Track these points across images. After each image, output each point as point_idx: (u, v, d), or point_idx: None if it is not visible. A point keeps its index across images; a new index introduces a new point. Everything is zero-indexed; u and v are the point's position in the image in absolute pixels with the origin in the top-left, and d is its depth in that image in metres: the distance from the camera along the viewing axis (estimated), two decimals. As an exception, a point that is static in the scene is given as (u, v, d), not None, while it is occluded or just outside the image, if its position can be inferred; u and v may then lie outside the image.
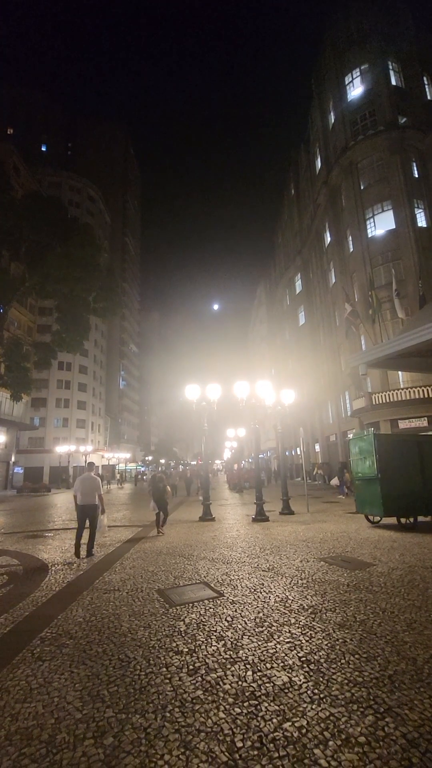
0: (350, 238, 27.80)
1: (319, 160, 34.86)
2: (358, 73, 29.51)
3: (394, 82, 28.40)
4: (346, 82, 30.14)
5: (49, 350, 28.07)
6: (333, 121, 31.40)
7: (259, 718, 2.53)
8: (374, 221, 26.20)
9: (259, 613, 4.35)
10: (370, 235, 26.10)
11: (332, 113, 31.62)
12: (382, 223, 25.75)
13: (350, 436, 28.17)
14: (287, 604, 4.57)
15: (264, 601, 4.70)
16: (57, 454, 46.62)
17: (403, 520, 9.46)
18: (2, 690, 2.98)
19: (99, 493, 7.60)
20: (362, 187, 27.22)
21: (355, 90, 29.54)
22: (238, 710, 2.62)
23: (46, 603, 4.95)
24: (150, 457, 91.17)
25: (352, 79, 29.83)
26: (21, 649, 3.65)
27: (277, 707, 2.64)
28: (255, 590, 5.15)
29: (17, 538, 10.16)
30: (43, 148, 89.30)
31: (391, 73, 28.53)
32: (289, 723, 2.47)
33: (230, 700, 2.74)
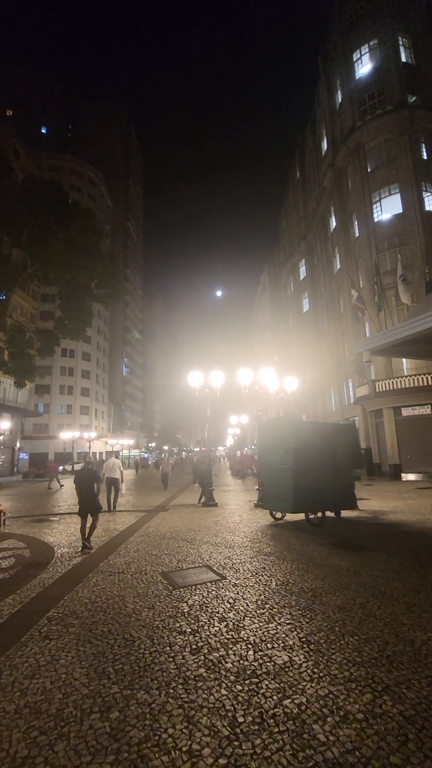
0: (356, 222, 27.28)
1: (325, 141, 33.98)
2: (367, 50, 28.48)
3: (404, 59, 27.40)
4: (354, 59, 29.12)
5: (52, 337, 28.02)
6: (340, 100, 30.48)
7: (259, 695, 2.60)
8: (381, 205, 25.65)
9: (260, 595, 4.43)
10: (376, 220, 25.59)
11: (339, 92, 30.67)
12: (388, 207, 25.21)
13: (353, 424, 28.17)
14: (288, 587, 4.65)
15: (265, 584, 4.79)
16: (61, 440, 47.05)
17: (311, 516, 8.65)
18: (11, 666, 3.08)
19: (120, 470, 11.61)
20: (369, 170, 26.57)
21: (364, 67, 28.56)
22: (239, 687, 2.70)
23: (52, 584, 5.06)
24: (153, 444, 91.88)
25: (361, 56, 28.81)
26: (29, 628, 3.75)
27: (277, 685, 2.71)
28: (257, 573, 5.24)
29: (24, 522, 10.34)
30: (43, 131, 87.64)
31: (401, 49, 27.49)
32: (289, 700, 2.54)
33: (232, 678, 2.82)
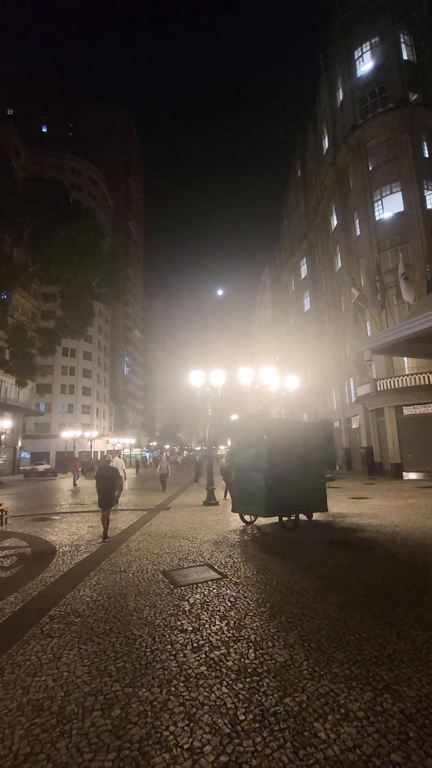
0: (357, 221, 27.23)
1: (326, 140, 33.89)
2: (368, 47, 28.38)
3: (405, 57, 27.29)
4: (356, 57, 29.02)
5: (53, 336, 28.06)
6: (341, 98, 30.40)
7: (260, 693, 2.61)
8: (382, 203, 25.59)
9: (261, 594, 4.44)
10: (377, 218, 25.53)
11: (341, 90, 30.58)
12: (390, 206, 25.14)
13: (354, 423, 28.11)
14: (289, 586, 4.66)
15: (266, 583, 4.80)
16: (63, 439, 47.10)
17: (284, 519, 8.27)
18: (14, 664, 3.09)
19: (123, 468, 12.76)
20: (370, 168, 26.51)
21: (365, 65, 28.46)
22: (240, 685, 2.71)
23: (54, 583, 5.08)
24: (155, 443, 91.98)
25: (362, 53, 28.72)
26: (31, 626, 3.77)
27: (278, 683, 2.72)
28: (258, 572, 5.25)
29: (25, 521, 10.37)
30: (44, 129, 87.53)
31: (403, 46, 27.38)
32: (290, 698, 2.55)
33: (233, 676, 2.83)
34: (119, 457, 12.57)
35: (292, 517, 8.27)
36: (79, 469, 26.40)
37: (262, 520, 9.08)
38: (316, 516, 9.54)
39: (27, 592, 4.75)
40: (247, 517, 8.97)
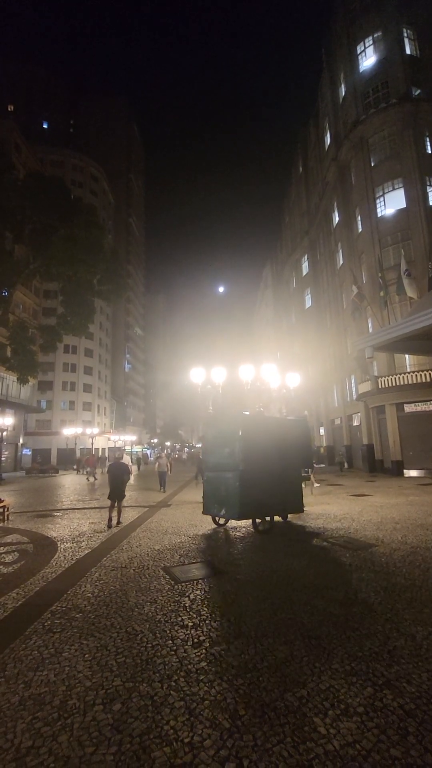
0: (359, 217, 27.09)
1: (328, 135, 33.66)
2: (371, 42, 28.13)
3: (408, 51, 27.04)
4: (358, 52, 28.77)
5: (54, 333, 28.07)
6: (343, 94, 30.18)
7: (261, 689, 2.62)
8: (384, 200, 25.45)
9: (262, 590, 4.45)
10: (379, 215, 25.40)
11: (343, 85, 30.35)
12: (392, 202, 25.00)
13: (356, 420, 28.09)
14: (290, 582, 4.68)
15: (267, 579, 4.81)
16: (64, 436, 47.22)
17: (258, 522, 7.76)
18: (16, 659, 3.11)
19: (130, 466, 11.94)
20: (373, 164, 26.34)
21: (368, 60, 28.23)
22: (240, 681, 2.72)
23: (55, 579, 5.11)
24: (156, 440, 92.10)
25: (365, 48, 28.47)
26: (33, 622, 3.79)
27: (278, 679, 2.73)
28: (258, 569, 5.27)
29: (27, 517, 10.42)
30: (45, 125, 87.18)
31: (406, 41, 27.14)
32: (290, 693, 2.56)
33: (233, 671, 2.84)
34: (126, 454, 12.98)
35: (267, 519, 7.77)
36: (85, 467, 27.16)
37: (235, 522, 8.47)
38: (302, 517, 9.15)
39: (29, 588, 4.77)
40: (219, 519, 8.47)
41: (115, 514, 8.86)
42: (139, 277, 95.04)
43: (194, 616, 3.82)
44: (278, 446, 8.21)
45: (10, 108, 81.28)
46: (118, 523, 8.79)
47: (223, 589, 4.52)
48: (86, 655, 3.13)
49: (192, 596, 4.33)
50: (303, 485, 9.78)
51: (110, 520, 8.66)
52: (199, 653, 3.11)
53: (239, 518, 7.53)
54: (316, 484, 15.79)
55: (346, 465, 26.96)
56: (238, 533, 7.67)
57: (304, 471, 10.18)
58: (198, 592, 4.47)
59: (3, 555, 6.49)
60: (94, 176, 67.33)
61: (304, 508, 9.34)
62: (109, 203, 73.30)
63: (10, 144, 37.56)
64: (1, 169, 22.97)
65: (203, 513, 8.45)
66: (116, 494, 8.72)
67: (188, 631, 3.49)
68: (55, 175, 34.16)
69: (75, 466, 38.29)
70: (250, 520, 7.79)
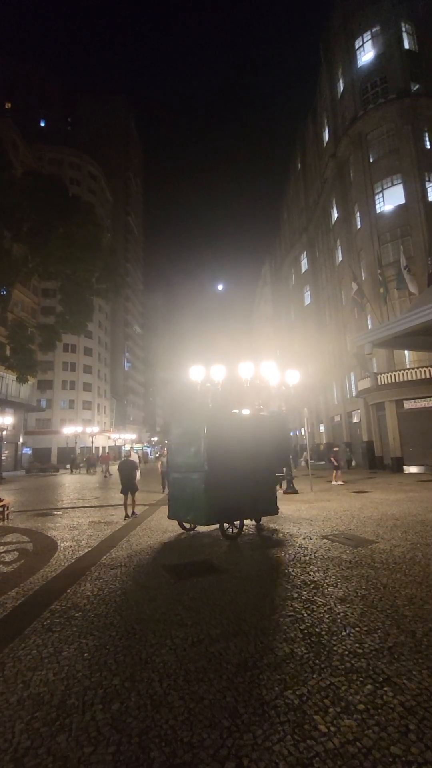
0: (358, 214, 27.01)
1: (326, 132, 33.52)
2: (369, 37, 27.97)
3: (407, 46, 26.90)
4: (356, 47, 28.61)
5: (53, 332, 28.02)
6: (342, 89, 30.04)
7: (260, 687, 2.61)
8: (383, 196, 25.37)
9: (261, 588, 4.44)
10: (378, 211, 25.32)
11: (341, 81, 30.21)
12: (391, 198, 24.93)
13: (355, 417, 28.04)
14: (289, 580, 4.67)
15: (266, 577, 4.80)
16: (64, 435, 47.27)
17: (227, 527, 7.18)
18: (15, 658, 3.10)
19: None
20: (371, 160, 26.25)
21: (366, 55, 28.07)
22: (240, 679, 2.71)
23: (55, 578, 5.09)
24: (155, 438, 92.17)
25: (363, 43, 28.31)
26: (32, 621, 3.77)
27: (278, 677, 2.72)
28: (257, 566, 5.26)
29: (27, 516, 10.41)
30: (42, 123, 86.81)
31: (404, 35, 26.99)
32: (290, 691, 2.55)
33: (233, 669, 2.83)
34: (135, 452, 13.64)
35: (236, 524, 7.24)
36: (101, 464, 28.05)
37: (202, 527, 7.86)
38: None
39: (28, 587, 4.76)
40: (186, 524, 7.89)
41: (130, 502, 9.69)
42: (138, 276, 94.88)
43: (194, 614, 3.80)
44: (250, 444, 7.59)
45: (8, 106, 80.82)
46: (133, 513, 9.65)
47: (222, 587, 4.51)
48: (85, 654, 3.12)
49: (191, 594, 4.32)
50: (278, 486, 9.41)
51: (126, 511, 9.60)
52: (198, 651, 3.09)
53: (206, 523, 7.00)
54: (339, 482, 15.61)
55: (354, 462, 26.71)
56: (243, 532, 7.65)
57: (291, 469, 9.82)
58: (198, 590, 4.46)
59: (3, 554, 6.48)
60: (92, 174, 67.13)
61: (304, 509, 9.32)
62: (107, 201, 73.08)
63: (8, 142, 37.33)
64: (-1, 167, 22.85)
65: (169, 518, 7.88)
66: (128, 487, 9.61)
67: (188, 630, 3.47)
68: (53, 173, 34.05)
69: (68, 466, 37.92)
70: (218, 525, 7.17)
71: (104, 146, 79.58)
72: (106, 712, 2.41)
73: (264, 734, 2.18)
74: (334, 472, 16.46)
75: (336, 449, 18.96)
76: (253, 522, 8.31)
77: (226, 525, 7.15)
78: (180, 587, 4.57)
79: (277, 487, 10.22)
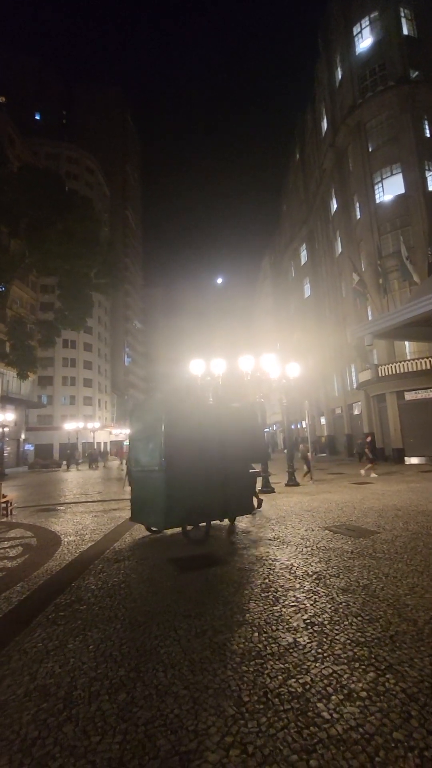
0: (357, 204, 26.80)
1: (325, 121, 33.15)
2: (368, 22, 27.51)
3: (406, 32, 26.47)
4: (355, 33, 28.17)
5: (52, 328, 28.02)
6: (340, 77, 29.64)
7: (264, 676, 2.64)
8: (383, 185, 25.13)
9: (265, 579, 4.48)
10: (378, 201, 25.11)
11: (339, 69, 29.79)
12: (390, 188, 24.69)
13: (356, 409, 28.10)
14: (292, 571, 4.70)
15: (270, 568, 4.84)
16: (65, 431, 47.42)
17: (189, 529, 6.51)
18: (21, 651, 3.13)
19: None
20: (370, 149, 25.97)
21: (364, 41, 27.64)
22: (244, 668, 2.74)
23: (59, 572, 5.14)
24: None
25: (361, 29, 27.86)
26: (37, 614, 3.81)
27: (282, 665, 2.75)
28: (261, 558, 5.30)
29: (30, 511, 10.47)
30: (37, 117, 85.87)
31: (403, 21, 26.56)
32: (294, 680, 2.58)
33: (237, 659, 2.86)
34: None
35: (202, 526, 6.66)
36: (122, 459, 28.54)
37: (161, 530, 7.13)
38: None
39: (33, 581, 4.80)
40: (152, 528, 7.20)
41: None
42: (137, 270, 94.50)
43: (197, 606, 3.84)
44: (218, 439, 6.95)
45: (2, 99, 79.90)
46: None
47: (225, 579, 4.54)
48: (90, 647, 3.15)
49: (195, 587, 4.35)
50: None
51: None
52: (202, 642, 3.12)
53: (165, 527, 6.41)
54: (373, 475, 15.05)
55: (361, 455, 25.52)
56: (240, 522, 7.69)
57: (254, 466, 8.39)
58: (201, 582, 4.49)
59: (7, 549, 6.53)
60: (90, 168, 66.61)
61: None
62: (105, 195, 72.57)
63: (4, 137, 37.06)
64: (-6, 163, 22.68)
65: (131, 520, 7.33)
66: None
67: (192, 621, 3.51)
68: (49, 168, 33.78)
69: (64, 462, 36.80)
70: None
71: (101, 139, 78.90)
72: (112, 703, 2.45)
73: (268, 722, 2.20)
74: (368, 464, 15.53)
75: (369, 439, 17.12)
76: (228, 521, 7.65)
77: (189, 527, 6.49)
78: (183, 579, 4.60)
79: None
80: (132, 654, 3.01)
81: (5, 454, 35.65)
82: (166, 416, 6.46)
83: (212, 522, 6.90)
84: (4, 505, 9.88)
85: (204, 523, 6.68)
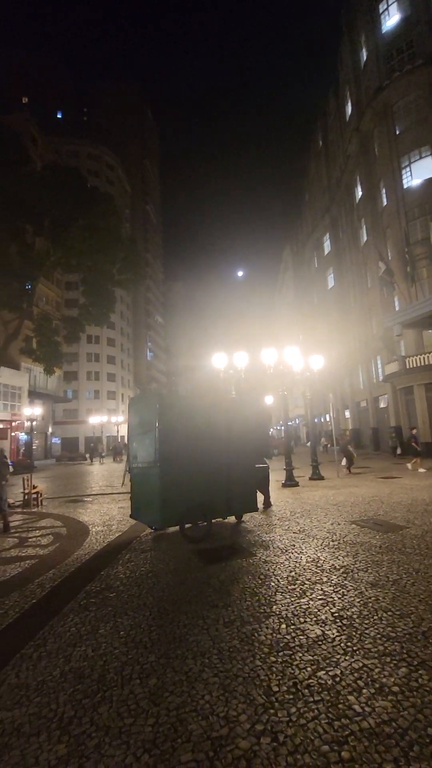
0: (384, 190, 25.88)
1: (349, 105, 32.06)
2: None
3: (435, 6, 25.21)
4: (380, 11, 27.02)
5: (77, 324, 28.61)
6: (365, 58, 28.53)
7: (293, 667, 2.64)
8: (411, 170, 24.14)
9: (291, 572, 4.46)
10: (405, 186, 24.16)
11: (364, 49, 28.66)
12: (419, 172, 23.69)
13: (382, 402, 27.45)
14: (319, 564, 4.66)
15: (296, 561, 4.82)
16: (90, 424, 48.55)
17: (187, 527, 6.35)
18: (55, 635, 3.25)
19: None
20: (397, 132, 24.94)
21: (391, 19, 26.45)
22: (273, 659, 2.74)
23: (89, 561, 5.29)
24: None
25: (387, 6, 26.66)
26: (69, 600, 3.95)
27: (311, 657, 2.74)
28: (287, 551, 5.28)
29: (59, 502, 10.81)
30: (59, 115, 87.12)
31: (432, -6, 25.30)
32: (323, 672, 2.57)
33: (265, 650, 2.87)
34: None
35: (201, 524, 6.41)
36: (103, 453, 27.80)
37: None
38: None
39: (64, 569, 4.97)
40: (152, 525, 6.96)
41: None
42: (158, 265, 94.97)
43: (224, 596, 3.87)
44: (220, 434, 6.71)
45: (24, 100, 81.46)
46: None
47: (251, 571, 4.56)
48: (121, 633, 3.23)
49: (222, 577, 4.39)
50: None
51: None
52: (230, 632, 3.15)
53: (162, 525, 6.28)
54: (422, 469, 14.28)
55: (399, 450, 22.69)
56: (266, 516, 7.69)
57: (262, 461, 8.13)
58: (227, 573, 4.52)
59: (39, 538, 6.78)
60: (110, 165, 67.14)
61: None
62: (125, 191, 73.06)
63: (27, 137, 37.77)
64: (19, 163, 23.20)
65: (131, 517, 7.12)
66: None
67: (219, 611, 3.54)
68: (71, 165, 34.24)
69: (88, 455, 37.11)
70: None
71: (120, 135, 79.22)
72: (144, 687, 2.51)
73: (299, 712, 2.21)
74: (416, 458, 14.96)
75: (414, 431, 16.29)
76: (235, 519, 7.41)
77: (187, 525, 6.34)
78: (209, 570, 4.65)
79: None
80: (162, 641, 3.07)
81: (34, 447, 36.93)
82: (162, 412, 6.21)
83: (219, 519, 6.79)
84: (34, 495, 10.24)
85: (205, 522, 6.38)
